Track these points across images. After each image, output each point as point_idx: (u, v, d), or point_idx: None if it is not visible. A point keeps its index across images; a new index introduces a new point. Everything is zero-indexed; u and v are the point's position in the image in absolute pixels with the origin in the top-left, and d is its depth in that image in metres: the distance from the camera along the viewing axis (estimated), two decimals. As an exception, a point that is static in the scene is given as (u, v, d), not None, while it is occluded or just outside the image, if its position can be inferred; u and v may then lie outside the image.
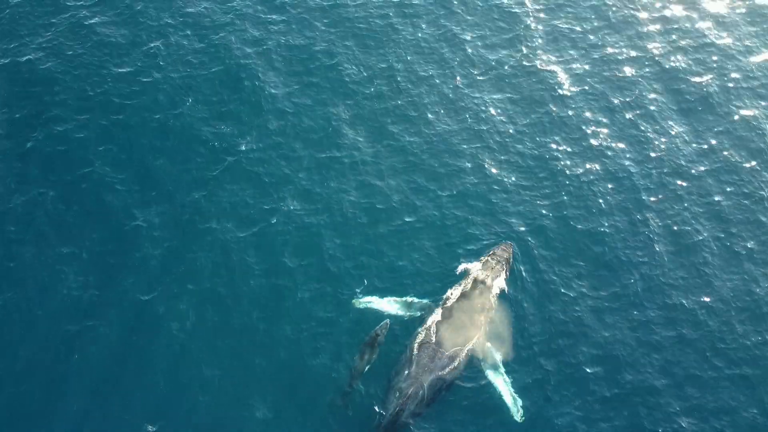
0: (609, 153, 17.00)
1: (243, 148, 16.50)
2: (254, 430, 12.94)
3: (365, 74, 18.08)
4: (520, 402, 13.17)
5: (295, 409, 13.15)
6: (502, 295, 14.37)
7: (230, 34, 18.59)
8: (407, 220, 15.55)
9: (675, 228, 15.68)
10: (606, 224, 15.76)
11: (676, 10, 19.90)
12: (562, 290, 14.70)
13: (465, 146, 16.95)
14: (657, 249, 15.35)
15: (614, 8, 19.94)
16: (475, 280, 14.24)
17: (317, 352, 13.70)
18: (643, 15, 19.86)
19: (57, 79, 17.36)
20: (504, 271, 14.55)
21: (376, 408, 12.94)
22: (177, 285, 14.38)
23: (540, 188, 16.26)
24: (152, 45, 18.15)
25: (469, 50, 18.75)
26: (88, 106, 17.00)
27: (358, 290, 14.36)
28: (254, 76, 17.68)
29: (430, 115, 17.49)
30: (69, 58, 17.78)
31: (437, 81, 18.15)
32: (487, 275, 14.32)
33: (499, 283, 14.39)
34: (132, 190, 15.67)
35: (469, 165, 16.58)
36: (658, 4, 20.14)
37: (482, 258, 14.75)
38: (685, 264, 15.20)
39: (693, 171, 16.62)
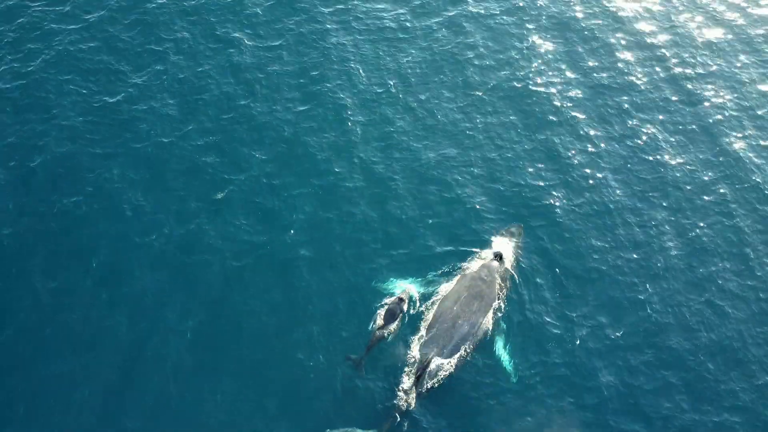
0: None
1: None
2: (270, 387, 13.55)
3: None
4: (516, 368, 13.87)
5: (310, 371, 13.78)
6: (514, 269, 15.20)
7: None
8: (424, 206, 16.30)
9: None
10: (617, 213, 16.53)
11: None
12: (572, 268, 15.44)
13: (472, 138, 17.70)
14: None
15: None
16: (491, 255, 15.06)
17: (336, 321, 14.35)
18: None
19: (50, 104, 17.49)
20: (517, 248, 15.39)
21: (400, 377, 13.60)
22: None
23: (551, 180, 16.94)
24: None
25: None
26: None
27: (380, 274, 15.00)
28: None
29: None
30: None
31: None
32: (502, 251, 15.15)
33: (513, 258, 15.22)
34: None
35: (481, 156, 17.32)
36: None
37: (497, 235, 15.58)
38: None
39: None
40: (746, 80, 19.15)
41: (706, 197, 16.68)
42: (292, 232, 15.54)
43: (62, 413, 13.04)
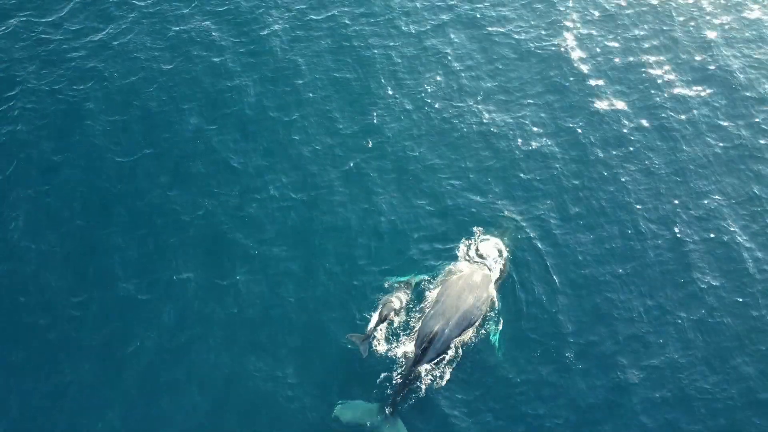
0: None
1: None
2: (276, 367, 14.09)
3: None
4: (502, 343, 14.39)
5: (315, 353, 14.35)
6: (514, 253, 15.79)
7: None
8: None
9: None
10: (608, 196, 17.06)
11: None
12: (568, 255, 15.92)
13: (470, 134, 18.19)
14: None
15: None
16: (492, 239, 15.75)
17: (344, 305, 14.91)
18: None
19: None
20: (515, 234, 16.03)
21: (402, 347, 14.12)
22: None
23: (547, 188, 17.18)
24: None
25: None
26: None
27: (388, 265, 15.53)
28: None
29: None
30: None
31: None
32: (502, 236, 15.84)
33: (512, 243, 15.86)
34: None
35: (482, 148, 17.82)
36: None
37: (496, 224, 16.23)
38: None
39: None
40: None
41: (705, 215, 16.78)
42: (311, 236, 16.05)
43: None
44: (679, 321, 15.01)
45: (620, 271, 15.70)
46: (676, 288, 15.49)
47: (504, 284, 15.29)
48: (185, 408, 13.66)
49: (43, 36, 19.71)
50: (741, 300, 15.31)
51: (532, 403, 13.84)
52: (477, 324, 14.47)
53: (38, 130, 17.60)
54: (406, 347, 14.11)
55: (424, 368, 13.82)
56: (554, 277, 15.47)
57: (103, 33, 19.81)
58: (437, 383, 13.83)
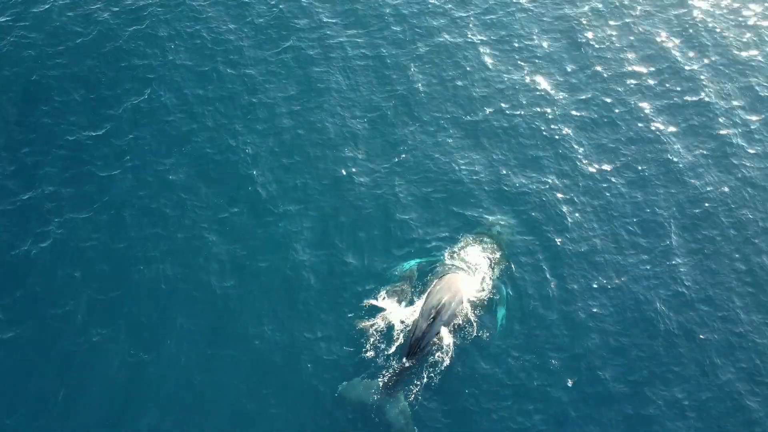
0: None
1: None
2: (285, 353, 14.44)
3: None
4: (503, 319, 14.74)
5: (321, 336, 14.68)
6: (514, 240, 16.26)
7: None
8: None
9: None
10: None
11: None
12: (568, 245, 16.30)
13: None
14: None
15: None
16: (493, 225, 16.25)
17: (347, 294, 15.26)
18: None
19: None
20: (514, 230, 16.43)
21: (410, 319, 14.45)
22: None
23: (539, 212, 17.16)
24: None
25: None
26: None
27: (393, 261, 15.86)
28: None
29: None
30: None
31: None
32: (503, 224, 16.31)
33: (512, 232, 16.32)
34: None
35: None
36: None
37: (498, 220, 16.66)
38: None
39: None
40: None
41: (693, 234, 16.74)
42: (321, 233, 16.43)
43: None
44: (685, 330, 15.21)
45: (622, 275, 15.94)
46: (679, 299, 15.65)
47: (503, 270, 15.70)
48: (197, 406, 13.93)
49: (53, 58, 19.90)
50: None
51: (530, 393, 14.08)
52: (487, 294, 14.92)
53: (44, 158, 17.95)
54: (413, 325, 14.35)
55: (426, 351, 14.04)
56: (556, 272, 15.85)
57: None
58: (439, 364, 14.09)
